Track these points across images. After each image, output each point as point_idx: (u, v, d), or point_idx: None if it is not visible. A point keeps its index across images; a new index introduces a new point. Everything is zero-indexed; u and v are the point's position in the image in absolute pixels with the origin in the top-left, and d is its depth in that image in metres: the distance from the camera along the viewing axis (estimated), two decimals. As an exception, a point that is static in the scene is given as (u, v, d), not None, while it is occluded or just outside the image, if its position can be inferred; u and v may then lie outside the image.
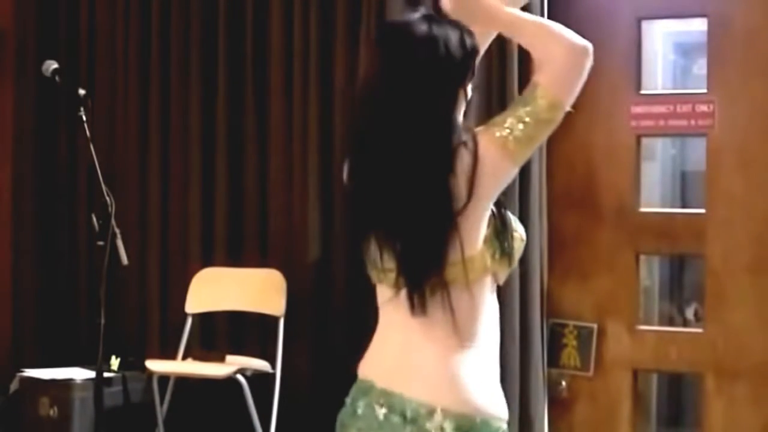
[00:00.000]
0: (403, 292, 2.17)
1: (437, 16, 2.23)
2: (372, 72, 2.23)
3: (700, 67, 4.93)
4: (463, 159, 2.14)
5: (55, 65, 4.33)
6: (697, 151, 5.02)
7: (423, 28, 2.17)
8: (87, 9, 5.60)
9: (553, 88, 2.19)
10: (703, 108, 4.63)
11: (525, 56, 4.45)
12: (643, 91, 4.76)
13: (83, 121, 4.11)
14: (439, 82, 2.17)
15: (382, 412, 2.17)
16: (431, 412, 2.13)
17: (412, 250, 2.14)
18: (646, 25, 4.82)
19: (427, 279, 2.14)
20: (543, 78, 2.20)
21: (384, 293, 2.23)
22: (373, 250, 2.19)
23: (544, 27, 2.29)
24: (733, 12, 4.60)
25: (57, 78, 4.29)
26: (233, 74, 5.24)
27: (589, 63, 2.26)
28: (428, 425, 2.13)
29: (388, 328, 2.23)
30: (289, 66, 5.12)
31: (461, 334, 2.17)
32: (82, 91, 4.15)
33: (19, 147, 5.76)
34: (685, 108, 4.65)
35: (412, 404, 2.14)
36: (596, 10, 4.78)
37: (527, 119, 2.17)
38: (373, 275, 2.24)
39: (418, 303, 2.15)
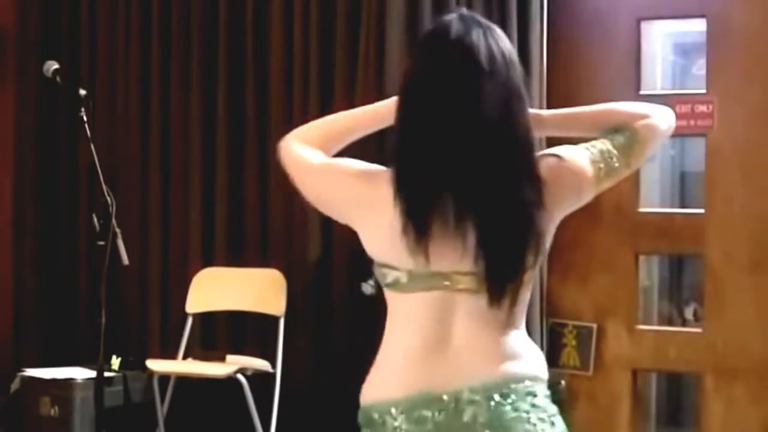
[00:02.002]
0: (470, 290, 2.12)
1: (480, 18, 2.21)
2: (450, 82, 2.11)
3: (700, 67, 4.94)
4: (555, 170, 2.16)
5: (56, 65, 4.34)
6: (696, 152, 5.04)
7: (488, 36, 2.14)
8: (88, 9, 5.61)
9: (647, 138, 2.28)
10: (703, 108, 4.64)
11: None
12: (642, 92, 4.76)
13: (84, 122, 4.12)
14: (521, 87, 2.15)
15: (471, 410, 2.10)
16: (523, 388, 2.13)
17: (511, 252, 2.11)
18: (645, 25, 4.83)
19: (520, 276, 2.13)
20: (641, 127, 2.27)
21: (403, 298, 2.17)
22: (442, 253, 2.12)
23: (619, 103, 2.35)
24: (733, 12, 4.61)
25: (58, 78, 4.30)
26: (233, 75, 5.25)
27: (672, 129, 2.36)
28: (533, 400, 2.12)
29: (422, 327, 2.15)
30: (289, 66, 5.13)
31: (517, 316, 2.18)
32: (82, 92, 4.17)
33: (20, 147, 5.76)
34: (685, 108, 4.66)
35: (496, 386, 2.11)
36: (596, 11, 4.78)
37: (619, 157, 2.23)
38: (422, 283, 2.14)
39: (508, 299, 2.12)
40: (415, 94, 2.16)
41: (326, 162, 2.28)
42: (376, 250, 2.20)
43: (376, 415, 2.14)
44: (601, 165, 2.22)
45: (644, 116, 2.29)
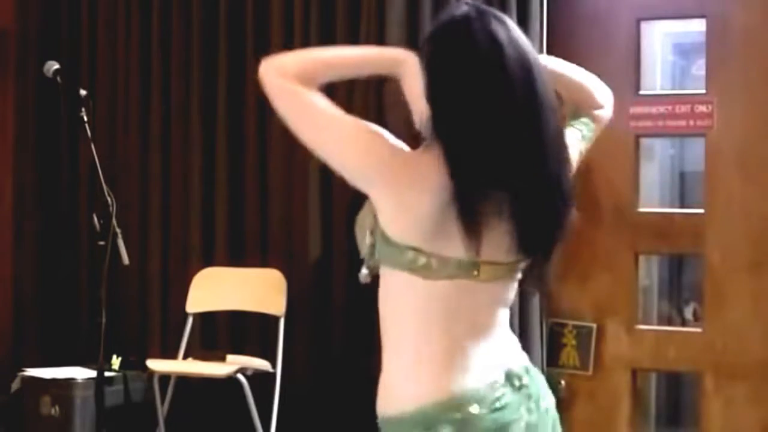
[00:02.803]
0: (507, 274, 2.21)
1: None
2: (516, 83, 2.09)
3: (699, 67, 4.94)
4: None
5: (56, 66, 4.35)
6: (695, 152, 5.04)
7: (518, 30, 2.15)
8: (88, 9, 5.61)
9: (599, 129, 2.42)
10: (702, 108, 4.64)
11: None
12: (642, 92, 4.77)
13: (84, 122, 4.13)
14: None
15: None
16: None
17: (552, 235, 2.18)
18: (645, 25, 4.83)
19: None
20: (598, 118, 2.42)
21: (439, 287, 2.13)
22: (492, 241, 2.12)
23: (587, 77, 2.45)
24: (732, 12, 4.61)
25: (58, 78, 4.31)
26: (234, 74, 5.25)
27: None
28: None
29: (464, 320, 2.16)
30: (289, 66, 5.13)
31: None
32: (83, 92, 4.18)
33: (21, 147, 5.77)
34: (684, 108, 4.67)
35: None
36: (596, 11, 4.79)
37: (585, 146, 2.38)
38: (450, 270, 2.12)
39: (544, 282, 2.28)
40: (470, 97, 2.09)
41: (355, 119, 2.23)
42: (402, 232, 2.11)
43: (457, 414, 2.09)
44: (576, 156, 2.33)
45: (601, 106, 2.43)
